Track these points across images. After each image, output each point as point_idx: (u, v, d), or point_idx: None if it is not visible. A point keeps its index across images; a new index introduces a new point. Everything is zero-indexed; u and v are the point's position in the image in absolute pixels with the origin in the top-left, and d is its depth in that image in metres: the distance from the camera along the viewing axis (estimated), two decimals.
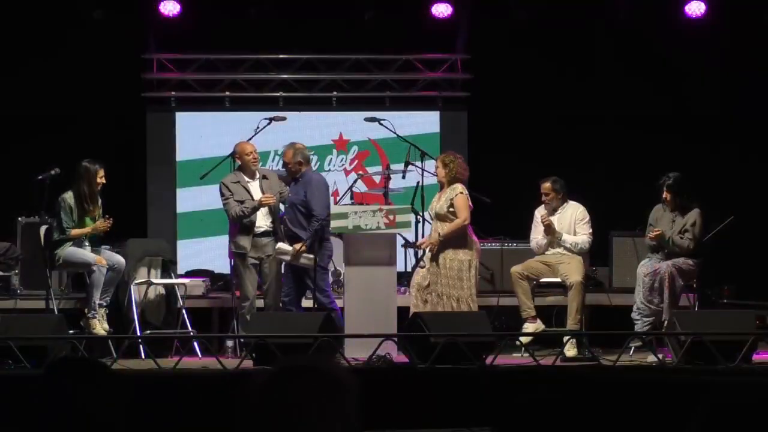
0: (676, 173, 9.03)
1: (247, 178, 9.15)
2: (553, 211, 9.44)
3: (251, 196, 9.03)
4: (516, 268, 9.26)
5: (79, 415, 2.45)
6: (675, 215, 8.98)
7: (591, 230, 9.42)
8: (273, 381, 2.13)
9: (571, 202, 9.49)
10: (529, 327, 8.98)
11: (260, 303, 9.11)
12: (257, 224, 9.04)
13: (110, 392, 2.53)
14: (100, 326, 8.76)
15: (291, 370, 2.15)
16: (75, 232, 8.89)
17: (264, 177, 9.21)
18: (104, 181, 8.98)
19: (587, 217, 9.45)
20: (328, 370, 2.14)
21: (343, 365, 2.36)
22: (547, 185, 9.42)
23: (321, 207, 9.02)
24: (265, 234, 9.06)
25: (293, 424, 2.08)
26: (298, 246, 8.86)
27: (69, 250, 8.90)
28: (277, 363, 2.19)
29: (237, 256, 9.05)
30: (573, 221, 9.39)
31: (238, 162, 9.25)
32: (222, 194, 9.14)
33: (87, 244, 8.97)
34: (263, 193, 9.05)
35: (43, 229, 9.18)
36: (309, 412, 2.09)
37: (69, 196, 8.90)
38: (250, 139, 10.11)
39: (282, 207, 9.26)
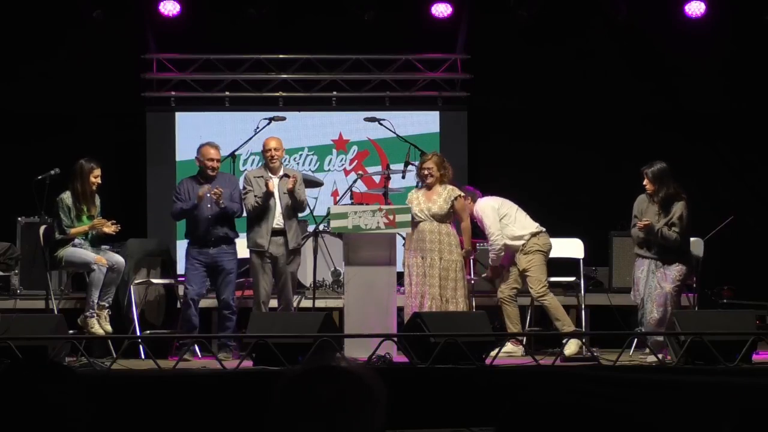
0: (660, 163, 8.78)
1: (271, 175, 9.15)
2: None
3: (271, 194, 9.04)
4: (504, 292, 9.19)
5: (37, 416, 2.43)
6: (659, 207, 8.78)
7: (491, 223, 9.18)
8: (300, 381, 2.13)
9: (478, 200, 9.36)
10: (508, 345, 8.95)
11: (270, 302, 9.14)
12: (274, 222, 9.05)
13: (71, 393, 2.50)
14: (99, 326, 8.73)
15: (318, 370, 2.15)
16: (74, 230, 8.88)
17: (285, 176, 9.17)
18: (99, 182, 8.92)
19: (484, 215, 9.24)
20: (355, 372, 2.15)
21: (371, 367, 2.37)
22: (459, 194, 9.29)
23: None
24: (279, 232, 9.07)
25: (319, 424, 2.09)
26: None
27: (70, 251, 8.89)
28: (305, 363, 2.20)
29: (254, 254, 9.06)
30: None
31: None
32: (243, 187, 9.18)
33: (87, 244, 8.96)
34: (279, 191, 9.06)
35: (42, 229, 9.17)
36: (334, 412, 2.09)
37: (66, 196, 8.89)
38: (250, 139, 10.12)
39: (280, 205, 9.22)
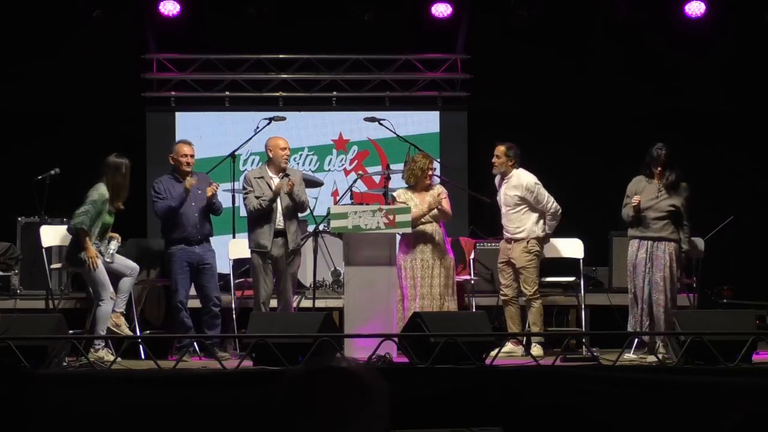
0: (667, 145, 8.88)
1: (272, 174, 9.10)
2: (501, 178, 9.32)
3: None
4: (505, 293, 9.18)
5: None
6: (660, 186, 8.80)
7: (546, 193, 9.20)
8: (301, 381, 2.14)
9: (519, 171, 9.28)
10: (508, 345, 8.94)
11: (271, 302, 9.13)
12: (276, 223, 9.03)
13: (29, 394, 2.53)
14: (111, 352, 8.46)
15: (319, 371, 2.16)
16: (88, 245, 8.59)
17: (286, 175, 9.13)
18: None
19: (540, 186, 9.23)
20: (356, 372, 2.15)
21: (373, 368, 2.37)
22: (501, 148, 9.29)
23: None
24: (279, 233, 9.06)
25: (320, 424, 2.09)
26: None
27: (99, 267, 8.58)
28: (306, 363, 2.20)
29: (255, 254, 9.04)
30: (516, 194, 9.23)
31: (269, 155, 9.17)
32: (243, 188, 9.16)
33: (108, 253, 8.75)
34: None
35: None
36: (335, 413, 2.09)
37: (104, 191, 8.71)
38: (250, 139, 10.11)
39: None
